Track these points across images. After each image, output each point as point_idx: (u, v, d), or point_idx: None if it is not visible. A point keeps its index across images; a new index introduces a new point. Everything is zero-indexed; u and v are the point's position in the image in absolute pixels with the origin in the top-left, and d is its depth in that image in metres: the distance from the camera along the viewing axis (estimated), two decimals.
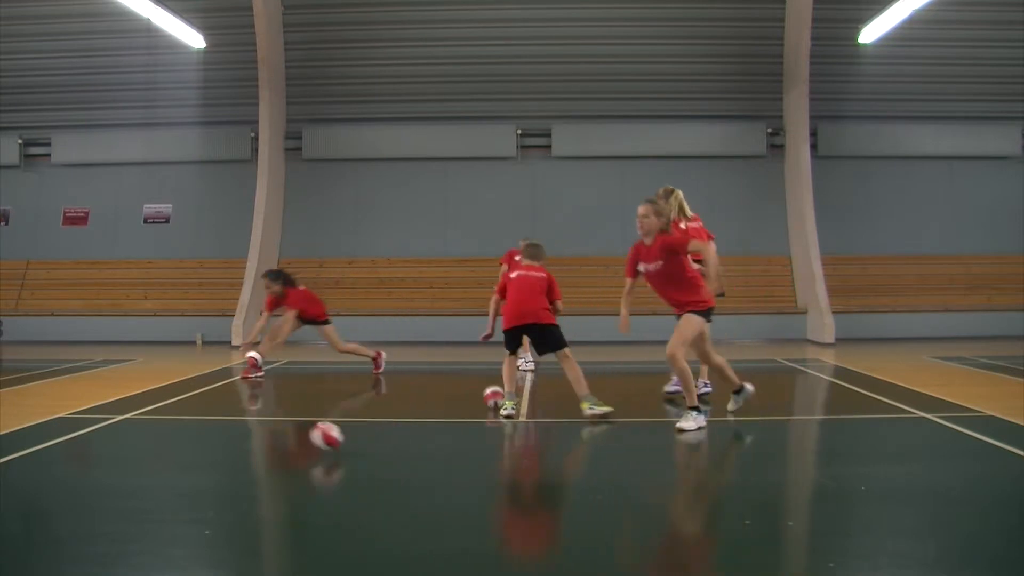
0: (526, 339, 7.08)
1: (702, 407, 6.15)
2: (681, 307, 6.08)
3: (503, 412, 6.60)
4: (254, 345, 9.50)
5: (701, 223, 7.45)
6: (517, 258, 9.98)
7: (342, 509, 4.32)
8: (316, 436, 5.23)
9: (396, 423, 6.99)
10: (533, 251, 6.99)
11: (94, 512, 4.20)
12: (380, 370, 9.74)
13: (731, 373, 6.47)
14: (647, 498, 4.56)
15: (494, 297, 7.05)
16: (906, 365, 10.49)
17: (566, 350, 6.58)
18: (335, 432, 5.21)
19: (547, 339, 6.65)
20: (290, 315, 9.32)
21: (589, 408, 6.40)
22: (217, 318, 14.52)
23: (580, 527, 4.08)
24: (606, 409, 6.39)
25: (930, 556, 3.44)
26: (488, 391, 6.99)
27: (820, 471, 5.28)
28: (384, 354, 9.88)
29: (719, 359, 6.35)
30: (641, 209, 6.06)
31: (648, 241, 6.08)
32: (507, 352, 6.75)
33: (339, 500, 4.51)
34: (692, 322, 5.98)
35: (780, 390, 9.38)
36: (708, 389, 7.28)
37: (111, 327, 14.86)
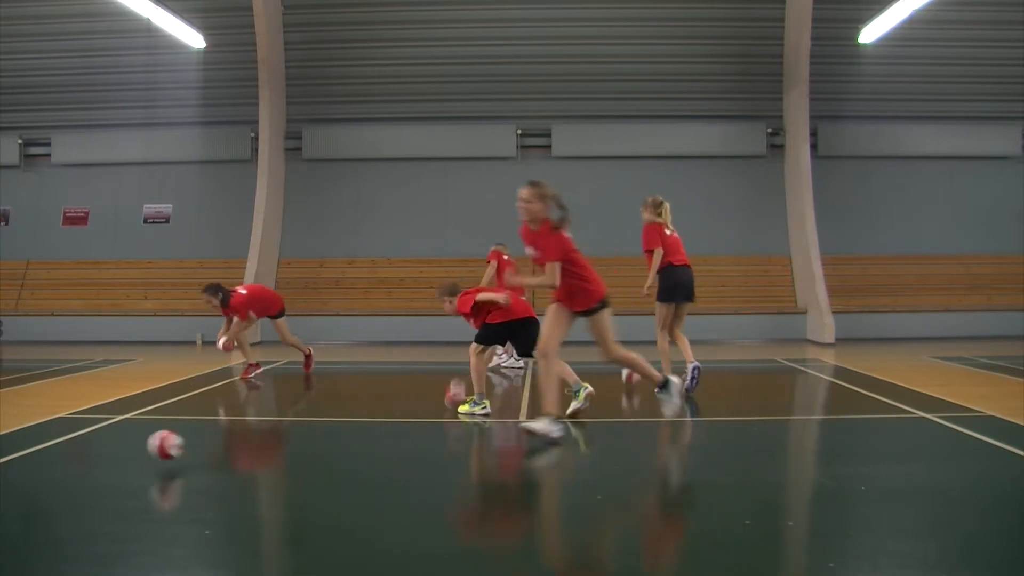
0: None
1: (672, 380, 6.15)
2: (574, 304, 5.71)
3: (480, 411, 6.62)
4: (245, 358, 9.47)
5: (678, 238, 7.83)
6: (506, 256, 10.05)
7: (342, 509, 4.32)
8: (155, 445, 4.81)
9: (396, 423, 6.99)
10: (452, 287, 7.08)
11: (94, 512, 4.20)
12: (310, 370, 9.63)
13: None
14: (647, 498, 4.56)
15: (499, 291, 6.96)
16: (906, 365, 10.49)
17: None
18: (170, 445, 4.80)
19: (536, 335, 6.59)
20: (238, 323, 9.15)
21: (573, 396, 6.59)
22: (217, 318, 14.39)
23: (580, 527, 4.07)
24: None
25: (930, 556, 3.44)
26: (451, 391, 6.95)
27: (820, 471, 5.28)
28: (313, 354, 9.78)
29: (558, 369, 5.99)
30: (524, 192, 5.50)
31: (534, 227, 5.61)
32: (480, 348, 6.69)
33: (339, 500, 4.51)
34: (606, 319, 5.76)
35: (780, 390, 9.39)
36: (696, 364, 7.56)
37: (111, 327, 14.86)
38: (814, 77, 14.93)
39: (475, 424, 6.57)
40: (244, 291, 9.48)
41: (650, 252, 7.76)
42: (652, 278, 7.71)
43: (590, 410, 6.55)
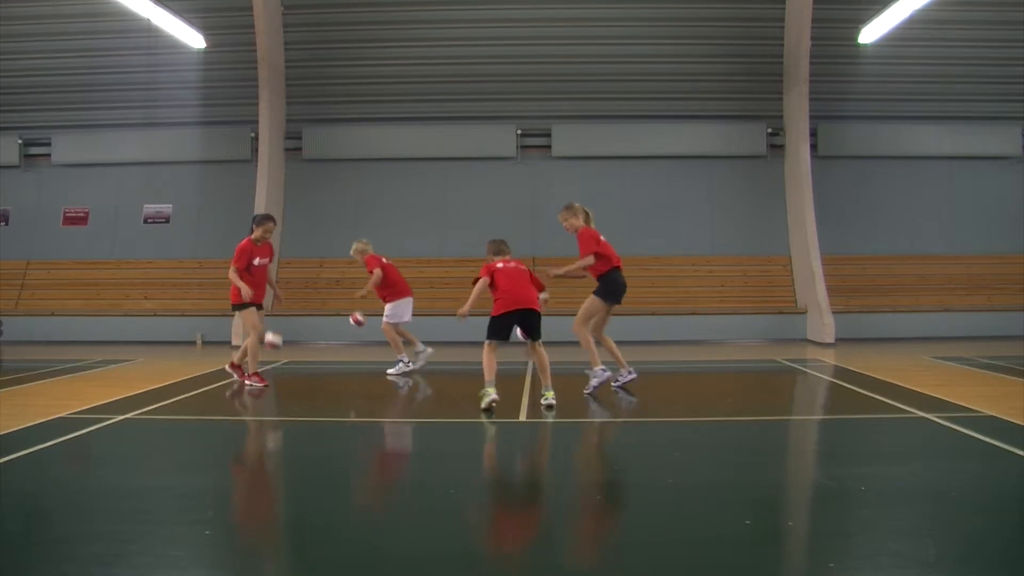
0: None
1: None
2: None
3: (487, 400, 6.73)
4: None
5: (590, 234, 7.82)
6: (385, 260, 10.03)
7: (342, 509, 4.32)
8: None
9: (396, 423, 6.99)
10: (502, 246, 7.33)
11: (94, 512, 4.20)
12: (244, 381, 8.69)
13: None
14: (646, 498, 4.55)
15: (483, 279, 6.96)
16: (906, 365, 10.49)
17: (540, 341, 7.00)
18: None
19: (536, 326, 6.96)
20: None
21: (544, 400, 6.95)
22: (217, 318, 14.50)
23: (580, 527, 4.08)
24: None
25: (930, 556, 3.44)
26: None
27: (820, 471, 5.28)
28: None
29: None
30: None
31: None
32: (489, 341, 6.87)
33: (339, 500, 4.51)
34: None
35: (780, 390, 9.39)
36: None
37: (111, 327, 14.85)
38: (814, 77, 14.93)
39: (474, 425, 6.57)
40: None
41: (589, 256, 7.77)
42: (569, 270, 7.78)
43: (589, 411, 6.55)
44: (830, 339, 13.67)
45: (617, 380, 8.07)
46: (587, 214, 7.90)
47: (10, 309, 14.94)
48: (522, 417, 6.80)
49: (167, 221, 16.24)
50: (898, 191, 15.78)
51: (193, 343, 14.49)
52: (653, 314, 14.56)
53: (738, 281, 15.46)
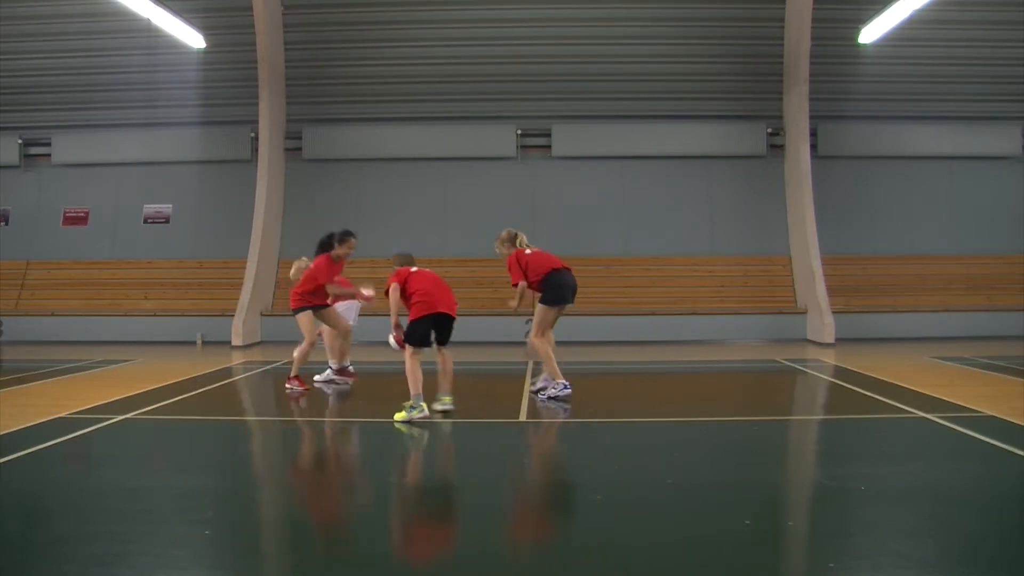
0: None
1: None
2: None
3: (416, 415, 6.35)
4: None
5: (542, 251, 7.86)
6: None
7: (342, 509, 4.32)
8: None
9: (394, 423, 6.97)
10: (411, 258, 7.29)
11: (94, 512, 4.20)
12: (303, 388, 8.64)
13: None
14: (646, 498, 4.55)
15: (395, 285, 6.85)
16: (906, 365, 10.49)
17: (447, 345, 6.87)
18: None
19: (450, 332, 6.80)
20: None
21: (441, 404, 6.71)
22: (217, 318, 14.50)
23: (579, 527, 4.08)
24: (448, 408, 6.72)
25: (930, 556, 3.44)
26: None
27: (820, 471, 5.28)
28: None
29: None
30: None
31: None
32: (413, 349, 6.53)
33: (338, 500, 4.51)
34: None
35: (780, 390, 9.39)
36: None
37: (111, 327, 14.85)
38: (814, 77, 14.93)
39: (471, 425, 6.56)
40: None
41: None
42: (520, 299, 7.63)
43: (587, 410, 6.54)
44: (830, 339, 13.67)
45: (544, 391, 7.60)
46: (517, 236, 7.82)
47: (10, 309, 14.93)
48: (522, 417, 6.80)
49: (167, 221, 16.24)
50: (898, 191, 15.78)
51: (193, 343, 14.49)
52: (653, 314, 14.56)
53: (738, 281, 15.46)
